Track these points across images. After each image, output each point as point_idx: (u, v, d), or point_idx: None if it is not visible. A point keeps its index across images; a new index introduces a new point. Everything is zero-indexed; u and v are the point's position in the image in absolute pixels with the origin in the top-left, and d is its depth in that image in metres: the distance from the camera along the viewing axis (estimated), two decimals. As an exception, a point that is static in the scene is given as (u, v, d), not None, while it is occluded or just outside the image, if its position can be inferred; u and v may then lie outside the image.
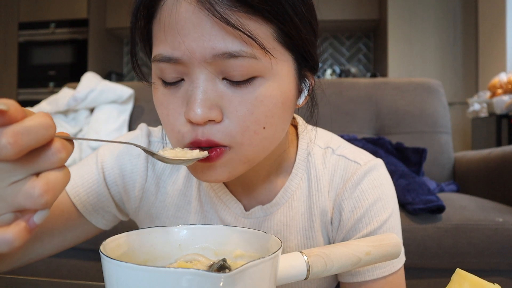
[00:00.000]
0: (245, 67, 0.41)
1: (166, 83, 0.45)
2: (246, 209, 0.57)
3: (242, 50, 0.40)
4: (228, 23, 0.39)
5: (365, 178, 0.55)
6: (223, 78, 0.43)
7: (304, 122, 0.62)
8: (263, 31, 0.42)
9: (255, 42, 0.41)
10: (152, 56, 0.45)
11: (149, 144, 0.60)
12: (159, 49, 0.43)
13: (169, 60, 0.42)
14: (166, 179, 0.60)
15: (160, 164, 0.60)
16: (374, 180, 0.56)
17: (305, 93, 0.51)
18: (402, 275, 0.57)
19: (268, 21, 0.42)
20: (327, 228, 0.57)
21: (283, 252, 0.59)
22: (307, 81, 0.51)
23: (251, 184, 0.57)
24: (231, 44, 0.40)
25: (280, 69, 0.44)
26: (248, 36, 0.40)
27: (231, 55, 0.40)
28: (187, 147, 0.44)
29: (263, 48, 0.41)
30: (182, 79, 0.44)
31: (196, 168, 0.45)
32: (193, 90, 0.42)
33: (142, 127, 0.63)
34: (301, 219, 0.57)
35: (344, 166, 0.57)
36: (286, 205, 0.57)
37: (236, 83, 0.42)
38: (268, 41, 0.42)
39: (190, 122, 0.43)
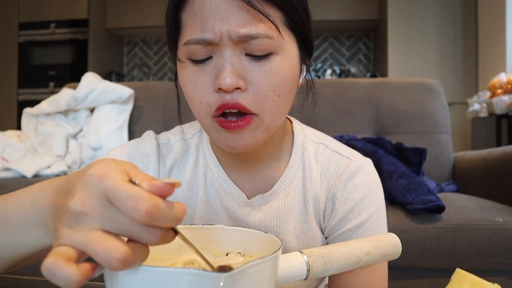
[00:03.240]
0: (263, 45, 0.49)
1: (195, 62, 0.52)
2: (248, 197, 0.62)
3: (262, 30, 0.49)
4: (251, 5, 0.48)
5: (358, 173, 0.62)
6: (246, 54, 0.50)
7: (298, 121, 0.68)
8: (275, 16, 0.50)
9: (272, 23, 0.49)
10: (186, 40, 0.51)
11: (158, 147, 0.65)
12: (193, 34, 0.50)
13: (202, 42, 0.50)
14: (175, 173, 0.65)
15: (169, 160, 0.64)
16: (366, 176, 0.62)
17: (303, 74, 0.59)
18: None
19: (279, 8, 0.51)
20: (319, 214, 0.63)
21: (282, 235, 0.61)
22: (305, 65, 0.59)
23: (254, 170, 0.62)
24: (253, 26, 0.49)
25: (288, 48, 0.53)
26: (267, 18, 0.49)
27: (253, 36, 0.49)
28: (215, 118, 0.51)
29: (277, 29, 0.50)
30: (210, 57, 0.51)
31: (227, 138, 0.52)
32: (222, 63, 0.50)
33: (148, 133, 0.66)
34: (297, 206, 0.62)
35: (338, 160, 0.63)
36: (284, 193, 0.62)
37: (257, 58, 0.50)
38: (280, 24, 0.51)
39: (219, 90, 0.50)
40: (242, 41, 0.49)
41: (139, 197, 0.28)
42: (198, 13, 0.49)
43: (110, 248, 0.28)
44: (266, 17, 0.49)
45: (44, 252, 0.39)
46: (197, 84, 0.52)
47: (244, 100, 0.50)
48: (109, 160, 0.32)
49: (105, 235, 0.29)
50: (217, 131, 0.52)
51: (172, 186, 0.31)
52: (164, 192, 0.30)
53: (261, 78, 0.50)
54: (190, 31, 0.50)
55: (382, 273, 0.60)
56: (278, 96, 0.52)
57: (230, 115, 0.51)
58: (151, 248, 0.42)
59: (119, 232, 0.30)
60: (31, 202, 0.38)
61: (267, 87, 0.51)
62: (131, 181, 0.30)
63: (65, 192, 0.32)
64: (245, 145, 0.52)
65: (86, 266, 0.29)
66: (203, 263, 0.40)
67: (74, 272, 0.28)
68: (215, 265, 0.36)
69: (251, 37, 0.49)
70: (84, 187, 0.30)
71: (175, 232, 0.32)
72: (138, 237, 0.30)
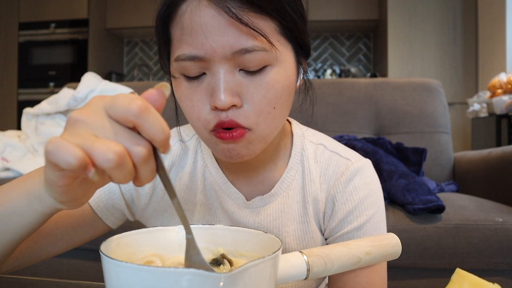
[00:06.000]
0: (258, 59, 0.48)
1: (188, 78, 0.51)
2: (247, 199, 0.62)
3: (254, 45, 0.47)
4: (242, 22, 0.46)
5: (358, 174, 0.61)
6: (240, 70, 0.49)
7: (297, 122, 0.68)
8: (269, 27, 0.49)
9: (264, 37, 0.48)
10: (176, 56, 0.50)
11: None
12: (182, 50, 0.49)
13: (193, 58, 0.49)
14: (173, 175, 0.65)
15: (167, 162, 0.64)
16: (365, 178, 0.62)
17: (300, 76, 0.58)
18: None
19: (272, 18, 0.49)
20: (318, 215, 0.62)
21: (282, 236, 0.61)
22: (302, 67, 0.58)
23: (254, 172, 0.62)
24: (245, 41, 0.47)
25: (284, 58, 0.52)
26: (258, 32, 0.47)
27: (247, 51, 0.47)
28: (212, 131, 0.51)
29: (270, 42, 0.48)
30: (204, 73, 0.50)
31: (224, 149, 0.52)
32: (216, 81, 0.49)
33: None
34: (297, 207, 0.62)
35: (337, 161, 0.63)
36: (284, 195, 0.62)
37: (251, 73, 0.49)
38: (274, 35, 0.50)
39: (215, 108, 0.49)
40: (235, 56, 0.48)
41: (134, 97, 0.31)
42: (188, 29, 0.48)
43: (108, 144, 0.30)
44: (258, 32, 0.47)
45: (38, 224, 0.42)
46: (193, 101, 0.51)
47: (239, 117, 0.50)
48: None
49: (101, 138, 0.31)
50: (215, 143, 0.53)
51: (162, 92, 0.33)
52: (156, 97, 0.33)
53: (256, 93, 0.50)
54: (180, 47, 0.49)
55: (381, 275, 0.60)
56: (274, 108, 0.51)
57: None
58: (151, 246, 0.42)
59: (108, 139, 0.31)
60: (33, 173, 0.42)
61: (262, 102, 0.50)
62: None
63: None
64: (241, 156, 0.53)
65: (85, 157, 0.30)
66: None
67: (78, 150, 0.30)
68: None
69: (247, 51, 0.47)
70: (87, 104, 0.33)
71: (157, 171, 0.33)
72: (126, 147, 0.31)
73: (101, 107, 0.32)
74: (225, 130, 0.50)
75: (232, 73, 0.49)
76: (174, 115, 0.64)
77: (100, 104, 0.32)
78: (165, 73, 0.56)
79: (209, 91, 0.50)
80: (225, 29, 0.47)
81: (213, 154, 0.64)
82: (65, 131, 0.32)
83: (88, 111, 0.32)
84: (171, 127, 0.71)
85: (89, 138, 0.31)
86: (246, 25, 0.46)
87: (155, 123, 0.31)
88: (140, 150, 0.31)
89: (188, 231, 0.36)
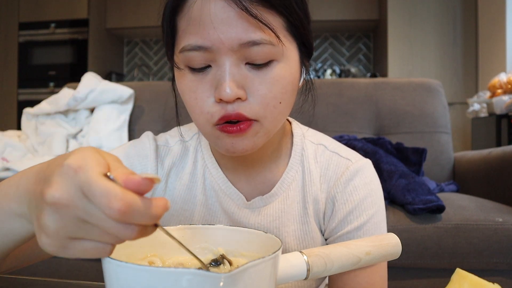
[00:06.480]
0: (265, 52, 0.49)
1: (193, 70, 0.51)
2: (247, 199, 0.62)
3: (262, 38, 0.48)
4: (251, 14, 0.47)
5: (358, 174, 0.61)
6: (246, 63, 0.50)
7: (298, 122, 0.68)
8: (276, 22, 0.50)
9: (272, 31, 0.48)
10: (182, 47, 0.50)
11: (156, 148, 0.64)
12: (188, 40, 0.49)
13: (199, 48, 0.49)
14: (173, 175, 0.64)
15: (167, 162, 0.64)
16: (365, 178, 0.62)
17: (303, 75, 0.58)
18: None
19: (279, 14, 0.50)
20: (318, 216, 0.62)
21: (282, 236, 0.61)
22: (304, 67, 0.58)
23: (254, 172, 0.62)
24: (253, 34, 0.48)
25: (289, 54, 0.52)
26: (266, 26, 0.48)
27: (254, 43, 0.48)
28: (216, 125, 0.51)
29: (277, 36, 0.49)
30: (209, 66, 0.50)
31: (227, 143, 0.52)
32: (222, 73, 0.49)
33: (147, 134, 0.66)
34: (297, 207, 0.62)
35: (337, 161, 0.63)
36: (284, 195, 0.62)
37: (258, 66, 0.50)
38: (281, 30, 0.50)
39: (220, 101, 0.49)
40: (242, 49, 0.48)
41: (112, 194, 0.28)
42: (196, 19, 0.48)
43: (111, 240, 0.30)
44: (266, 25, 0.48)
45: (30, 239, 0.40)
46: (196, 94, 0.51)
47: (245, 109, 0.50)
48: (89, 149, 0.32)
49: (101, 232, 0.30)
50: (218, 137, 0.52)
51: (151, 181, 0.29)
52: (141, 188, 0.29)
53: (262, 87, 0.50)
54: (187, 38, 0.50)
55: (382, 275, 0.60)
56: (280, 103, 0.52)
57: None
58: (151, 247, 0.42)
59: (97, 225, 0.29)
60: (15, 189, 0.38)
61: (268, 96, 0.50)
62: (107, 176, 0.29)
63: (44, 179, 0.32)
64: (245, 149, 0.52)
65: None
66: (193, 265, 0.40)
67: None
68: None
69: (254, 43, 0.48)
70: (60, 178, 0.30)
71: (156, 225, 0.31)
72: (114, 232, 0.29)
73: (78, 187, 0.29)
74: (231, 124, 0.50)
75: (238, 66, 0.49)
76: (174, 114, 0.64)
77: (75, 183, 0.29)
78: (170, 63, 0.56)
79: (214, 83, 0.50)
80: (234, 20, 0.47)
81: (213, 154, 0.64)
82: (49, 217, 0.30)
83: (64, 193, 0.29)
84: (171, 127, 0.71)
85: (92, 233, 0.30)
86: (255, 17, 0.47)
87: (141, 217, 0.29)
88: (128, 234, 0.29)
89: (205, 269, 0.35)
